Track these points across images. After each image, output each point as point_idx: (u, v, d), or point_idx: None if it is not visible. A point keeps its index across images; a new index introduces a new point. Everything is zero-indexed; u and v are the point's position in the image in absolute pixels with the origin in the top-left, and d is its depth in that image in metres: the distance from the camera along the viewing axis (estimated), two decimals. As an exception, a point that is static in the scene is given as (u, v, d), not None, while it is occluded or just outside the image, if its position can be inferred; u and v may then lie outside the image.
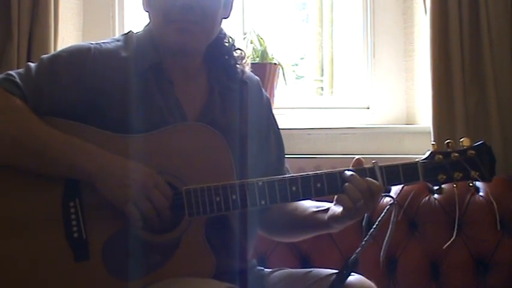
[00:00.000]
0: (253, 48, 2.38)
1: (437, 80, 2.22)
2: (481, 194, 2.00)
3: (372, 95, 2.58)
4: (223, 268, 1.41)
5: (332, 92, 3.00)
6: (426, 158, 1.42)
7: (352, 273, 1.44)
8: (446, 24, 2.22)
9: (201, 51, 1.51)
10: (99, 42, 1.48)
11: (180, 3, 1.40)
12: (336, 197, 1.41)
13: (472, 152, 1.41)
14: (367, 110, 2.58)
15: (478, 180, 1.41)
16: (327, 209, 1.45)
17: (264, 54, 2.36)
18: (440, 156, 1.41)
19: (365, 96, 2.60)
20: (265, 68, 2.33)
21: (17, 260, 1.33)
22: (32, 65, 1.44)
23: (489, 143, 1.50)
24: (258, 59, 2.36)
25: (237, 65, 1.56)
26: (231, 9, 1.53)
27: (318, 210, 1.48)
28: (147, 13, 1.51)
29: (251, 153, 1.51)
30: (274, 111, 2.37)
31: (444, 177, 1.41)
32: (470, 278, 1.96)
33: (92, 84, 1.41)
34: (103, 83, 1.41)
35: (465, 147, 1.42)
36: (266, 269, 1.60)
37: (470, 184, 1.42)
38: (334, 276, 1.44)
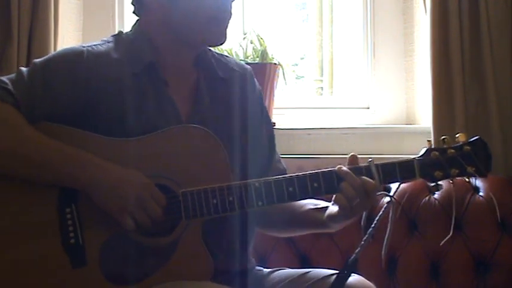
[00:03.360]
0: (253, 48, 2.37)
1: (437, 80, 2.22)
2: (481, 194, 2.00)
3: (372, 95, 2.58)
4: (223, 269, 1.41)
5: (332, 92, 3.00)
6: (422, 155, 1.42)
7: (353, 274, 1.44)
8: (446, 24, 2.22)
9: None
10: (90, 44, 1.47)
11: (226, 2, 1.44)
12: (334, 196, 1.40)
13: (468, 147, 1.41)
14: (367, 110, 2.58)
15: (474, 176, 1.41)
16: (325, 208, 1.45)
17: (264, 54, 2.36)
18: (436, 152, 1.41)
19: (365, 96, 2.60)
20: (265, 68, 2.32)
21: (14, 268, 1.32)
22: (24, 70, 1.42)
23: (489, 142, 1.50)
24: (258, 59, 2.35)
25: (222, 54, 1.58)
26: None
27: (316, 208, 1.48)
28: (149, 7, 1.47)
29: (243, 146, 1.51)
30: (274, 111, 2.41)
31: (440, 173, 1.40)
32: (470, 278, 1.96)
33: (86, 89, 1.40)
34: (97, 86, 1.40)
35: (461, 142, 1.42)
36: (265, 269, 1.59)
37: (467, 179, 1.42)
38: (333, 276, 1.44)
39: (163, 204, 1.34)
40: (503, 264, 1.95)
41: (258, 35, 2.39)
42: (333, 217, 1.41)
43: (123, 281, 1.34)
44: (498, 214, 1.95)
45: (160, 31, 1.47)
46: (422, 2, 2.29)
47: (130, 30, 1.53)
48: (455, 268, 1.96)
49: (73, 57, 1.43)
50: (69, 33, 2.30)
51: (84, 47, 1.46)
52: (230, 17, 1.46)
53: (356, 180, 1.35)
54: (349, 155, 1.41)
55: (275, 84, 2.38)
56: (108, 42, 1.49)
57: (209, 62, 1.53)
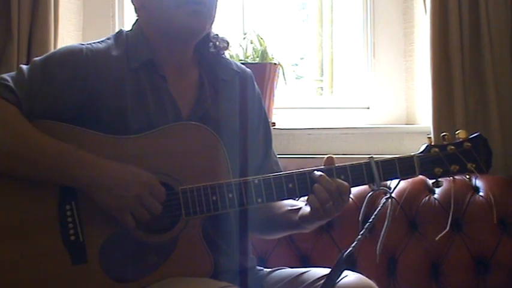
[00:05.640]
0: (253, 48, 2.37)
1: (437, 80, 2.22)
2: (480, 193, 2.00)
3: (372, 95, 2.58)
4: (223, 267, 1.41)
5: (332, 92, 3.00)
6: (422, 151, 1.42)
7: (353, 272, 1.44)
8: (446, 24, 2.22)
9: (202, 36, 1.51)
10: (90, 42, 1.49)
11: None
12: (307, 197, 1.41)
13: (468, 144, 1.41)
14: (367, 110, 2.58)
15: (474, 172, 1.41)
16: (299, 209, 1.46)
17: (264, 54, 2.36)
18: (437, 149, 1.42)
19: (365, 96, 2.60)
20: (265, 68, 2.32)
21: (14, 264, 1.33)
22: (24, 67, 1.43)
23: (489, 142, 1.50)
24: (258, 59, 2.35)
25: (223, 56, 1.58)
26: None
27: (291, 209, 1.49)
28: (136, 6, 1.52)
29: (243, 145, 1.52)
30: (274, 111, 2.41)
31: (441, 170, 1.41)
32: (470, 278, 1.96)
33: (86, 85, 1.41)
34: (96, 83, 1.41)
35: (461, 139, 1.42)
36: (266, 269, 1.60)
37: (467, 176, 1.42)
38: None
39: (163, 199, 1.35)
40: (503, 264, 1.95)
41: (258, 35, 2.39)
42: (304, 218, 1.42)
43: (123, 278, 1.34)
44: (495, 214, 1.95)
45: (150, 29, 1.50)
46: (422, 2, 2.29)
47: (131, 29, 1.54)
48: (455, 268, 1.96)
49: (72, 55, 1.45)
50: (69, 33, 2.30)
51: (83, 44, 1.48)
52: None
53: (330, 183, 1.36)
54: (325, 158, 1.41)
55: (275, 84, 2.38)
56: (108, 39, 1.51)
57: (210, 63, 1.55)
